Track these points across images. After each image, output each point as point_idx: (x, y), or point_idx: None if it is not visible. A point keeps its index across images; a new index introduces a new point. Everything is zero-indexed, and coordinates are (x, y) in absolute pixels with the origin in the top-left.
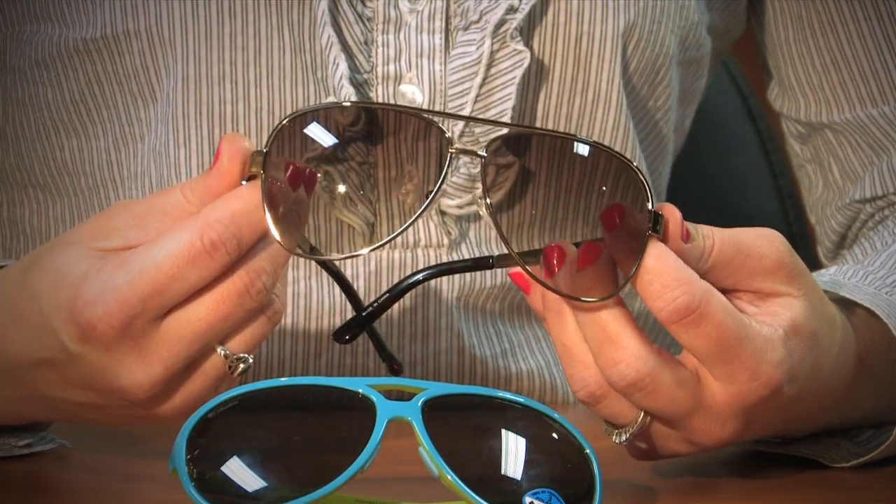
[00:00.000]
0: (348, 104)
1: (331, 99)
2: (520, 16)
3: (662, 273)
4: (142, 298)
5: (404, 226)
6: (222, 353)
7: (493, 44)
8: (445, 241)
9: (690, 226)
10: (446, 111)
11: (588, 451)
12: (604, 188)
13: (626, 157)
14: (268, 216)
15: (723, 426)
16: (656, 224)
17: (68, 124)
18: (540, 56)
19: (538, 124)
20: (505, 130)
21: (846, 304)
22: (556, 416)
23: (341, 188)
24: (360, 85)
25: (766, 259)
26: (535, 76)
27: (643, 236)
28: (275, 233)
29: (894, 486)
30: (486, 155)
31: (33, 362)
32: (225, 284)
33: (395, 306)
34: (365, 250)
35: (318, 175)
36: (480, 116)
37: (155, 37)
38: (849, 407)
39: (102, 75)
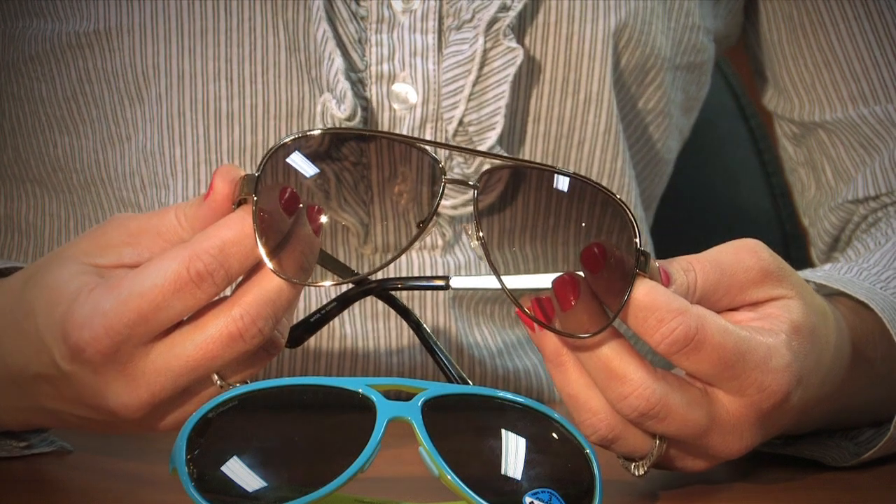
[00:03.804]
0: (343, 130)
1: (325, 112)
2: (512, 13)
3: (655, 307)
4: (127, 325)
5: (395, 254)
6: (218, 382)
7: (485, 42)
8: (440, 242)
9: (667, 265)
10: (446, 143)
11: (588, 451)
12: (594, 225)
13: (613, 194)
14: (259, 243)
15: (740, 437)
16: (643, 263)
17: (60, 121)
18: (532, 55)
19: (530, 124)
20: (498, 162)
21: (835, 297)
22: (556, 416)
23: (333, 213)
24: (354, 83)
25: (751, 272)
26: (527, 75)
27: (629, 275)
28: (266, 259)
29: (895, 486)
30: (478, 185)
31: (32, 376)
32: (217, 326)
33: (390, 310)
34: (354, 278)
35: (310, 201)
36: (483, 150)
37: (148, 32)
38: (847, 395)
39: (93, 72)
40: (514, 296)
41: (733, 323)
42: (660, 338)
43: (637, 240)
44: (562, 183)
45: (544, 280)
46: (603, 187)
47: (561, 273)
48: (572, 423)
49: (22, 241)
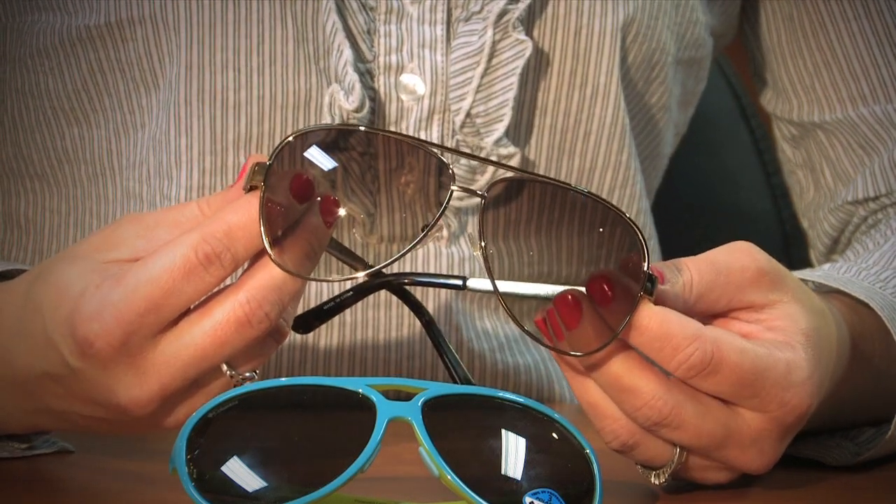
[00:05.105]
0: (356, 127)
1: (333, 104)
2: (522, 5)
3: (671, 335)
4: (138, 314)
5: (398, 255)
6: (228, 372)
7: (494, 34)
8: (445, 233)
9: (662, 265)
10: (457, 149)
11: (588, 451)
12: (602, 243)
13: (624, 213)
14: (262, 230)
15: (761, 452)
16: (650, 285)
17: (69, 113)
18: (540, 48)
19: (537, 116)
20: (510, 174)
21: (831, 294)
22: (556, 416)
23: (341, 208)
24: (362, 74)
25: (747, 271)
26: (535, 68)
27: (635, 297)
28: (268, 247)
29: (895, 487)
30: (486, 195)
31: (38, 375)
32: (224, 311)
33: (393, 301)
34: (360, 274)
35: (318, 193)
36: (492, 158)
37: (159, 23)
38: (846, 391)
39: (105, 63)
40: (520, 304)
41: (747, 340)
42: (676, 364)
43: (646, 264)
44: (573, 200)
45: (556, 291)
46: (614, 206)
47: (568, 293)
48: (572, 424)
49: (21, 237)
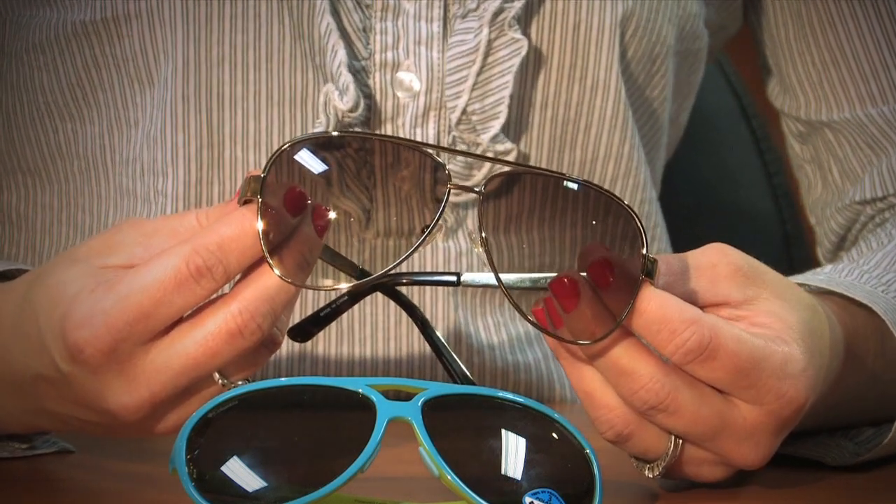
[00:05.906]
0: (350, 134)
1: (327, 103)
2: (518, 4)
3: (668, 319)
4: (128, 322)
5: (398, 260)
6: (220, 381)
7: (490, 32)
8: (442, 228)
9: None
10: (452, 148)
11: (588, 451)
12: (600, 229)
13: (621, 200)
14: (262, 243)
15: (756, 445)
16: (650, 270)
17: (63, 108)
18: (538, 44)
19: (537, 112)
20: (505, 169)
21: (824, 294)
22: (556, 416)
23: (337, 216)
24: (357, 72)
25: (718, 266)
26: (534, 64)
27: (636, 281)
28: (268, 258)
29: (894, 487)
30: (483, 191)
31: (33, 376)
32: (216, 322)
33: (391, 303)
34: (345, 286)
35: (313, 203)
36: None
37: (155, 19)
38: (841, 390)
39: (100, 58)
40: (521, 297)
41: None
42: (673, 349)
43: (645, 249)
44: (569, 189)
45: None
46: (611, 193)
47: (563, 276)
48: (572, 424)
49: (13, 232)
